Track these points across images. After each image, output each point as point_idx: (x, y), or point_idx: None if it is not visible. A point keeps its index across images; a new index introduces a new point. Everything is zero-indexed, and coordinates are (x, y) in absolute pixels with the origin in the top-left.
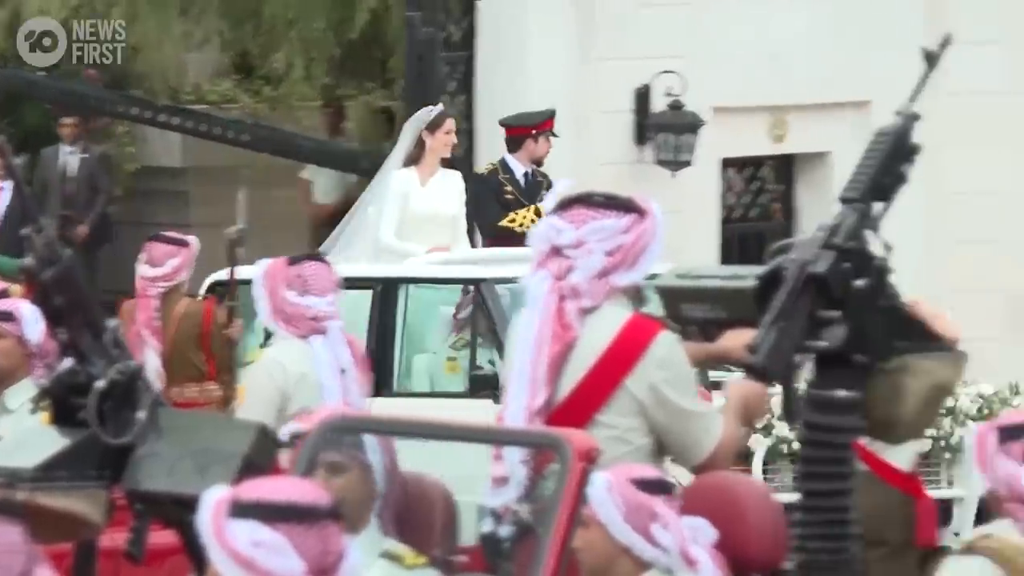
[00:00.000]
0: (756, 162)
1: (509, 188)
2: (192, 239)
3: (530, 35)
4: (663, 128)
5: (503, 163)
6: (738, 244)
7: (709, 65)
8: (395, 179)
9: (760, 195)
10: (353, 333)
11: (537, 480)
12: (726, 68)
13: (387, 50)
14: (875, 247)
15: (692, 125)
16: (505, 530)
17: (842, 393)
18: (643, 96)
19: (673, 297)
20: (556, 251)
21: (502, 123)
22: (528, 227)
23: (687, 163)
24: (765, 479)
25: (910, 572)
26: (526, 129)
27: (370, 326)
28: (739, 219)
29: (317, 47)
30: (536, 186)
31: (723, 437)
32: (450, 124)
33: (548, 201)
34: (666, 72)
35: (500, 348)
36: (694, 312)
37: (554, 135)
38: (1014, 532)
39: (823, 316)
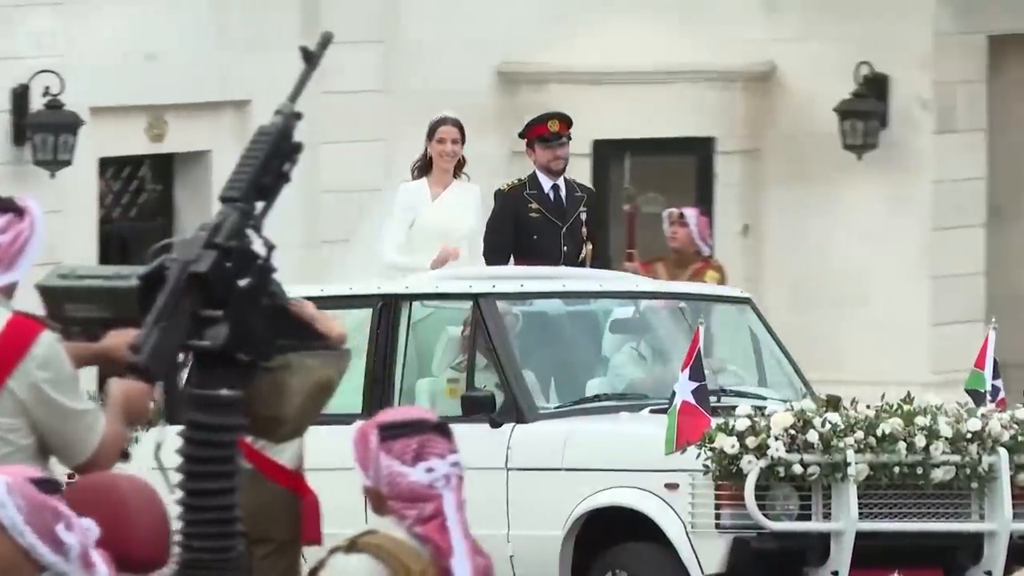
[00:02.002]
0: (135, 161)
1: (534, 205)
2: None
3: None
4: (41, 128)
5: (532, 177)
6: (118, 244)
7: (87, 64)
8: (401, 191)
9: (139, 195)
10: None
11: None
12: (104, 67)
13: None
14: (257, 246)
15: (71, 125)
16: None
17: (225, 392)
18: (21, 96)
19: (56, 297)
20: None
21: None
22: None
23: (66, 163)
24: (760, 503)
25: (295, 569)
26: (522, 137)
27: (370, 345)
28: (118, 219)
29: None
30: (574, 202)
31: (106, 435)
32: (443, 132)
33: None
34: (44, 72)
35: (499, 367)
36: (77, 312)
37: (548, 141)
38: (398, 529)
39: (206, 315)
